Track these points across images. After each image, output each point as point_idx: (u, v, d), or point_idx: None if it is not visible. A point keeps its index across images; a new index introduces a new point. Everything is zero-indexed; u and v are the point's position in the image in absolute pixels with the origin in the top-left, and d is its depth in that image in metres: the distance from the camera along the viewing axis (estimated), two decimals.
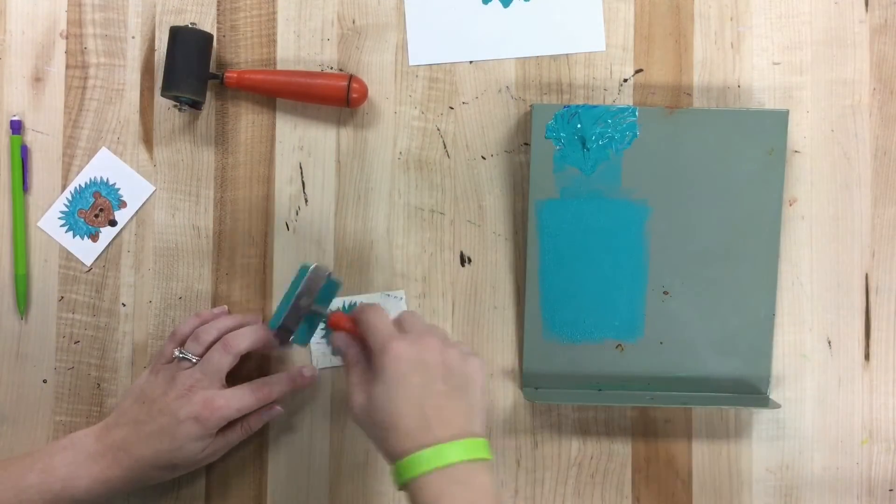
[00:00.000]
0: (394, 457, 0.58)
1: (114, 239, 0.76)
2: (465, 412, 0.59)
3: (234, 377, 0.70)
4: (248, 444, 0.75)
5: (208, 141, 0.76)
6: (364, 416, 0.60)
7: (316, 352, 0.75)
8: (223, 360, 0.68)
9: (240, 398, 0.68)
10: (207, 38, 0.73)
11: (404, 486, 0.57)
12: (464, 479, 0.56)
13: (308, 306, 0.66)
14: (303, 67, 0.76)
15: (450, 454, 0.56)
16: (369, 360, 0.62)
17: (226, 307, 0.75)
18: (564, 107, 0.73)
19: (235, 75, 0.73)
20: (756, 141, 0.73)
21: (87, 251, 0.75)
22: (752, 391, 0.75)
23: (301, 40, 0.76)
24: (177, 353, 0.69)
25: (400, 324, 0.63)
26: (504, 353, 0.76)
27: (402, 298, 0.75)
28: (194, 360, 0.69)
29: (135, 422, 0.67)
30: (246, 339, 0.69)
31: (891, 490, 0.76)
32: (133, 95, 0.76)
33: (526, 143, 0.76)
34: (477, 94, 0.76)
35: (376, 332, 0.61)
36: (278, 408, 0.72)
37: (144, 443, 0.66)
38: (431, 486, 0.55)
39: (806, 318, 0.76)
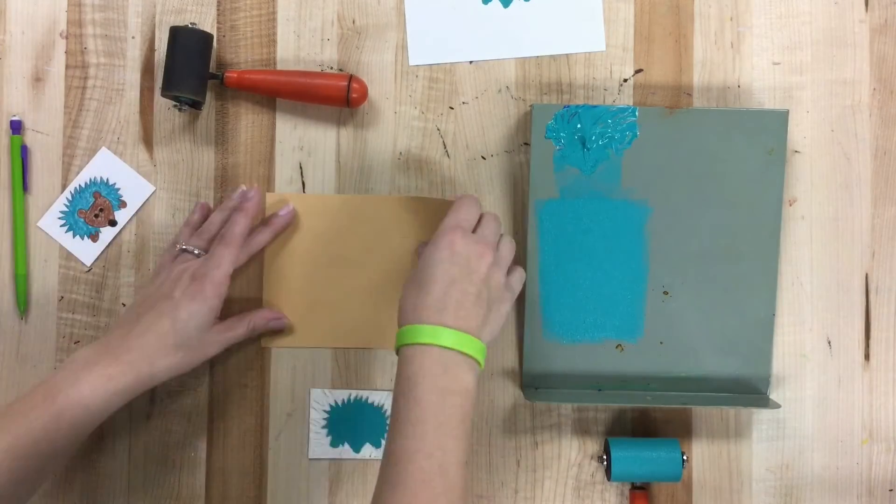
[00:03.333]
0: (402, 321, 0.63)
1: (114, 239, 0.76)
2: (479, 319, 0.63)
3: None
4: (247, 445, 0.75)
5: (208, 141, 0.76)
6: (407, 282, 0.65)
7: (314, 442, 0.75)
8: (228, 253, 0.68)
9: (222, 254, 0.68)
10: (207, 38, 0.73)
11: (398, 350, 0.62)
12: (449, 366, 0.61)
13: None
14: (303, 67, 0.76)
15: (446, 338, 0.61)
16: None
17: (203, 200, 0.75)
18: (564, 107, 0.73)
19: (235, 75, 0.73)
20: (756, 141, 0.73)
21: (87, 251, 0.75)
22: (752, 391, 0.75)
23: (301, 40, 0.76)
24: (180, 246, 0.71)
25: (479, 223, 0.67)
26: (504, 353, 0.75)
27: None
28: (197, 253, 0.70)
29: (132, 319, 0.66)
30: (238, 226, 0.70)
31: (891, 490, 0.76)
32: (133, 95, 0.76)
33: (526, 143, 0.76)
34: (477, 94, 0.76)
35: (455, 212, 0.66)
36: (285, 319, 0.74)
37: (145, 331, 0.65)
38: (416, 359, 0.61)
39: (806, 318, 0.76)
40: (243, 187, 0.73)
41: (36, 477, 0.63)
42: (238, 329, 0.71)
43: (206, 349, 0.68)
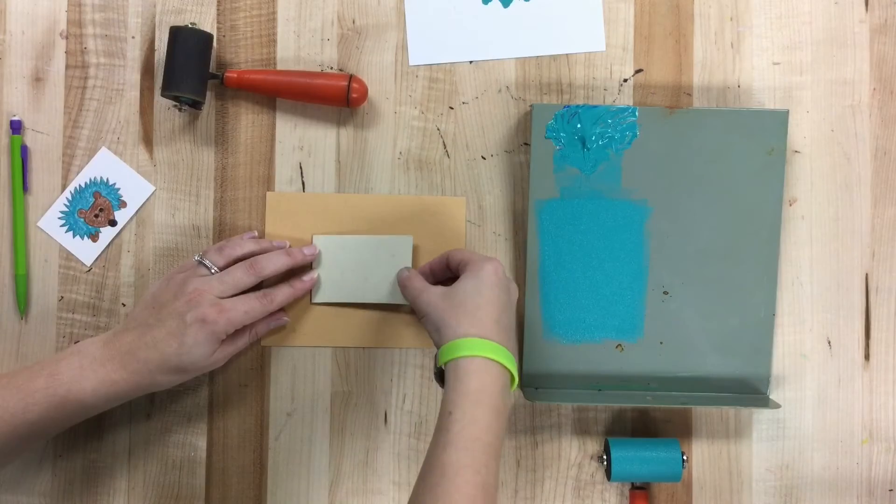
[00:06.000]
0: (452, 334, 0.63)
1: (114, 239, 0.76)
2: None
3: None
4: (247, 445, 0.75)
5: (208, 141, 0.76)
6: (441, 301, 0.65)
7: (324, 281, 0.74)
8: (245, 279, 0.69)
9: (245, 301, 0.68)
10: (207, 38, 0.73)
11: (448, 361, 0.62)
12: (504, 386, 0.63)
13: None
14: (303, 67, 0.76)
15: (504, 357, 0.63)
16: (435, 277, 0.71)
17: (255, 232, 0.74)
18: (564, 107, 0.73)
19: (235, 75, 0.73)
20: (756, 141, 0.73)
21: (87, 251, 0.75)
22: (752, 391, 0.75)
23: (301, 40, 0.76)
24: (196, 257, 0.70)
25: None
26: None
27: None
28: (213, 271, 0.69)
29: (144, 325, 0.67)
30: (272, 263, 0.70)
31: (891, 490, 0.76)
32: (133, 95, 0.76)
33: (526, 143, 0.76)
34: (477, 94, 0.76)
35: (472, 254, 0.69)
36: (286, 318, 0.74)
37: (152, 346, 0.66)
38: (479, 374, 0.62)
39: (806, 318, 0.76)
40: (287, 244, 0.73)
41: (21, 450, 0.67)
42: (240, 341, 0.71)
43: (208, 366, 0.69)
